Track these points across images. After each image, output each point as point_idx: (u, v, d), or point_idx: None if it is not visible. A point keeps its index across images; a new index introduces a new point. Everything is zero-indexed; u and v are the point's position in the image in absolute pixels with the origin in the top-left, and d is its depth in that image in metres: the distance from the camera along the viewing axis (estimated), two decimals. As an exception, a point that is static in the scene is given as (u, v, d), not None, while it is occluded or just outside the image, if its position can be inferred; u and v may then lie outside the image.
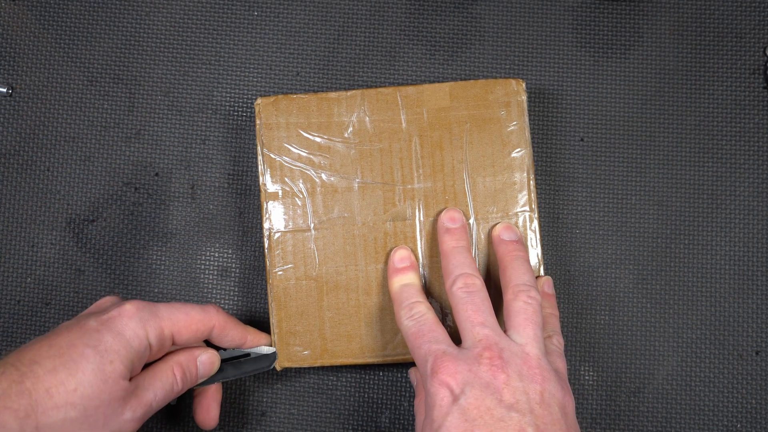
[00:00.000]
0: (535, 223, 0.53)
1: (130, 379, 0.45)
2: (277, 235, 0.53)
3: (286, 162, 0.54)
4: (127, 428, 0.44)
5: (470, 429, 0.39)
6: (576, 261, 0.59)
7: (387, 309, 0.53)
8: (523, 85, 0.53)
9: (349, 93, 0.54)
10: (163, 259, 0.60)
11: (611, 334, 0.58)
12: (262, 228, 0.57)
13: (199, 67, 0.62)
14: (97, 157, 0.61)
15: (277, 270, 0.53)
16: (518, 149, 0.53)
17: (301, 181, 0.53)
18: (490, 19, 0.61)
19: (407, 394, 0.58)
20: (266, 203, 0.53)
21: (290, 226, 0.53)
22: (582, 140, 0.60)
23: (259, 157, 0.54)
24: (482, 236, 0.53)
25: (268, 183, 0.54)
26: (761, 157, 0.59)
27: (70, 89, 0.62)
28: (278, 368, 0.53)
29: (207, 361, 0.50)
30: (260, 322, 0.59)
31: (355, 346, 0.53)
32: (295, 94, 0.54)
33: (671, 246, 0.59)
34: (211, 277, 0.60)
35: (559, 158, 0.59)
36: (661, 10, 0.60)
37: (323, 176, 0.53)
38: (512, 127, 0.53)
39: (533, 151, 0.59)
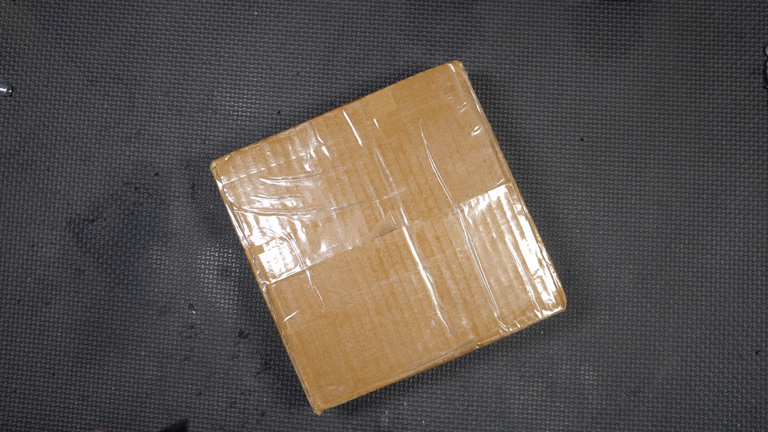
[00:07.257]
0: (517, 194, 0.53)
1: None
2: (274, 285, 0.53)
3: (260, 213, 0.53)
4: None
5: None
6: (576, 261, 0.59)
7: (401, 321, 0.53)
8: (461, 65, 0.53)
9: (298, 127, 0.53)
10: (163, 259, 0.60)
11: (611, 334, 0.58)
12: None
13: (199, 67, 0.62)
14: (97, 157, 0.61)
15: (285, 320, 0.53)
16: (476, 127, 0.53)
17: (280, 227, 0.53)
18: (490, 19, 0.61)
19: (407, 394, 0.58)
20: (254, 259, 0.53)
21: (284, 273, 0.53)
22: (582, 140, 0.60)
23: (233, 220, 0.53)
24: (470, 221, 0.53)
25: (249, 239, 0.53)
26: (761, 157, 0.59)
27: (70, 89, 0.62)
28: (318, 413, 0.52)
29: None
30: (259, 321, 0.59)
31: (384, 367, 0.52)
32: (247, 146, 0.53)
33: (671, 246, 0.59)
34: (211, 277, 0.60)
35: (559, 158, 0.59)
36: (661, 10, 0.60)
37: (300, 216, 0.53)
38: (463, 109, 0.53)
39: (533, 151, 0.59)
